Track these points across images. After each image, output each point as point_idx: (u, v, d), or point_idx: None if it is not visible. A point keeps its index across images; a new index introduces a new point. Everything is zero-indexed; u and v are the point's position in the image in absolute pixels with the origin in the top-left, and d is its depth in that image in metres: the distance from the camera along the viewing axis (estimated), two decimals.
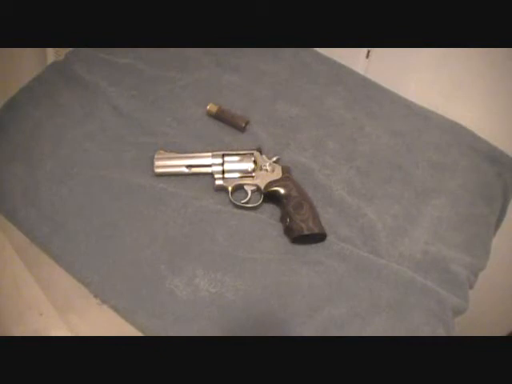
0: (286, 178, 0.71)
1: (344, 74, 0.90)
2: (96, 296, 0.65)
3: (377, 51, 0.94)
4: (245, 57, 0.90)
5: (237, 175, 0.72)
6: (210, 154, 0.73)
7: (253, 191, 0.72)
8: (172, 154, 0.73)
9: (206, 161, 0.73)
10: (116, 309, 0.64)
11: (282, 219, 0.70)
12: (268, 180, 0.71)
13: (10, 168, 0.74)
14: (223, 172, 0.72)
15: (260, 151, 0.74)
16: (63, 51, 0.93)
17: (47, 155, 0.75)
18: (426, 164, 0.79)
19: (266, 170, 0.72)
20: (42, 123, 0.79)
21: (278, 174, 0.72)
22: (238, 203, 0.71)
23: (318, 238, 0.68)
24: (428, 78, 0.91)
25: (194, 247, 0.68)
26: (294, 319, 0.63)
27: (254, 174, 0.72)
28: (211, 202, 0.72)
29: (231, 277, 0.65)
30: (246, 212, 0.71)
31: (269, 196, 0.71)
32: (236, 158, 0.72)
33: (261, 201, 0.71)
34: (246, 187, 0.72)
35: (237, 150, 0.74)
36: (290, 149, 0.78)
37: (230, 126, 0.80)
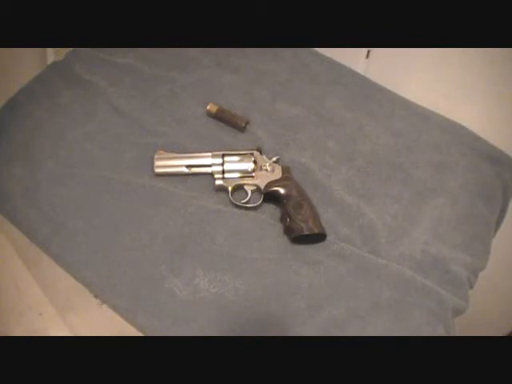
0: (286, 178, 0.71)
1: (344, 73, 0.90)
2: (96, 296, 0.65)
3: (377, 51, 0.94)
4: (245, 57, 0.90)
5: (237, 175, 0.72)
6: (209, 154, 0.73)
7: (253, 191, 0.72)
8: (172, 154, 0.73)
9: (205, 161, 0.73)
10: (116, 309, 0.64)
11: (282, 219, 0.70)
12: (268, 180, 0.71)
13: (9, 168, 0.74)
14: (223, 172, 0.72)
15: (260, 151, 0.74)
16: (63, 51, 0.94)
17: (47, 155, 0.75)
18: (426, 164, 0.79)
19: (266, 169, 0.72)
20: (42, 123, 0.79)
21: (277, 174, 0.72)
22: (238, 203, 0.71)
23: (318, 238, 0.68)
24: (428, 78, 0.91)
25: (194, 247, 0.68)
26: (294, 319, 0.63)
27: (253, 174, 0.72)
28: (211, 202, 0.72)
29: (231, 277, 0.65)
30: (246, 212, 0.71)
31: (269, 196, 0.71)
32: (236, 158, 0.72)
33: (261, 201, 0.71)
34: (246, 187, 0.72)
35: (237, 150, 0.74)
36: (289, 149, 0.78)
37: (230, 126, 0.80)
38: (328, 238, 0.69)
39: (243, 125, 0.79)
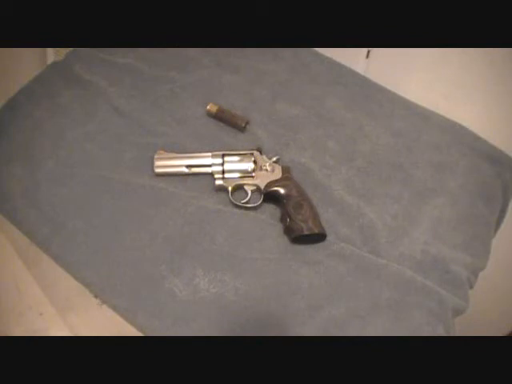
0: (286, 178, 0.71)
1: (344, 73, 0.90)
2: (96, 296, 0.65)
3: (377, 51, 0.94)
4: (245, 57, 0.90)
5: (237, 175, 0.72)
6: (209, 154, 0.73)
7: (253, 191, 0.72)
8: (172, 154, 0.73)
9: (205, 161, 0.73)
10: (116, 309, 0.64)
11: (282, 219, 0.70)
12: (268, 180, 0.71)
13: (9, 168, 0.74)
14: (223, 172, 0.72)
15: (260, 151, 0.74)
16: (63, 51, 0.94)
17: (47, 155, 0.75)
18: (426, 164, 0.79)
19: (266, 169, 0.72)
20: (42, 123, 0.79)
21: (277, 174, 0.72)
22: (238, 203, 0.71)
23: (318, 238, 0.68)
24: (428, 78, 0.91)
25: (194, 247, 0.68)
26: (294, 319, 0.63)
27: (253, 174, 0.72)
28: (211, 202, 0.72)
29: (231, 277, 0.65)
30: (246, 212, 0.71)
31: (269, 196, 0.71)
32: (236, 158, 0.72)
33: (261, 201, 0.71)
34: (246, 187, 0.72)
35: (237, 150, 0.74)
36: (289, 149, 0.78)
37: (230, 126, 0.80)
38: (328, 238, 0.69)
39: (243, 125, 0.79)
